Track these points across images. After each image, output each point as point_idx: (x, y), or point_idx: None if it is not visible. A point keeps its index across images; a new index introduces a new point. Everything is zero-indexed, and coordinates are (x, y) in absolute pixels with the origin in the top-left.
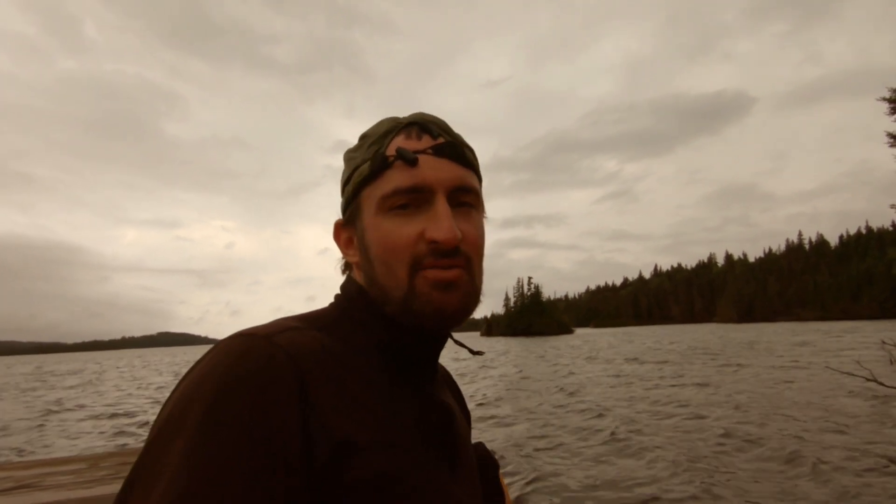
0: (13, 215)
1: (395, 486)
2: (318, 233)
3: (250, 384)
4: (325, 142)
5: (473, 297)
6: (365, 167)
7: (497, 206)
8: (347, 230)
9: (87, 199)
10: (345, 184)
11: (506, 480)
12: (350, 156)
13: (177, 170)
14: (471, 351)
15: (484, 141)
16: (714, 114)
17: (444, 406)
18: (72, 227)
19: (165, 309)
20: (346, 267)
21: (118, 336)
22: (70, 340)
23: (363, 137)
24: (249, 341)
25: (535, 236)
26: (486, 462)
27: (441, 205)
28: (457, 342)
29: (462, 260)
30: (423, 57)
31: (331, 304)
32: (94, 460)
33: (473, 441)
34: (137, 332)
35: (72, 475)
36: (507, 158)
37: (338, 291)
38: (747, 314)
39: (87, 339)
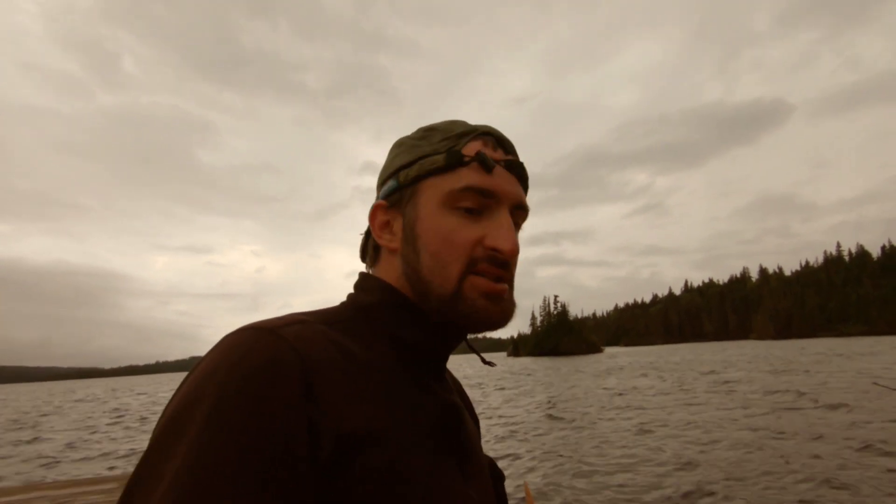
0: (65, 243)
1: (402, 479)
2: (344, 256)
3: (255, 381)
4: (353, 163)
5: (512, 311)
6: (439, 157)
7: (524, 223)
8: (389, 213)
9: (128, 227)
10: (400, 168)
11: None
12: (413, 143)
13: (209, 196)
14: (483, 360)
15: None
16: (749, 123)
17: (453, 405)
18: (115, 255)
19: (198, 333)
20: (374, 250)
21: (153, 361)
22: (107, 366)
23: (429, 130)
24: (254, 335)
25: (562, 253)
26: (493, 474)
27: (505, 216)
28: (471, 347)
29: (509, 274)
30: (448, 76)
31: (342, 304)
32: (125, 480)
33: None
34: (171, 357)
35: (103, 494)
36: (535, 175)
37: (351, 290)
38: (785, 330)
39: (124, 364)
